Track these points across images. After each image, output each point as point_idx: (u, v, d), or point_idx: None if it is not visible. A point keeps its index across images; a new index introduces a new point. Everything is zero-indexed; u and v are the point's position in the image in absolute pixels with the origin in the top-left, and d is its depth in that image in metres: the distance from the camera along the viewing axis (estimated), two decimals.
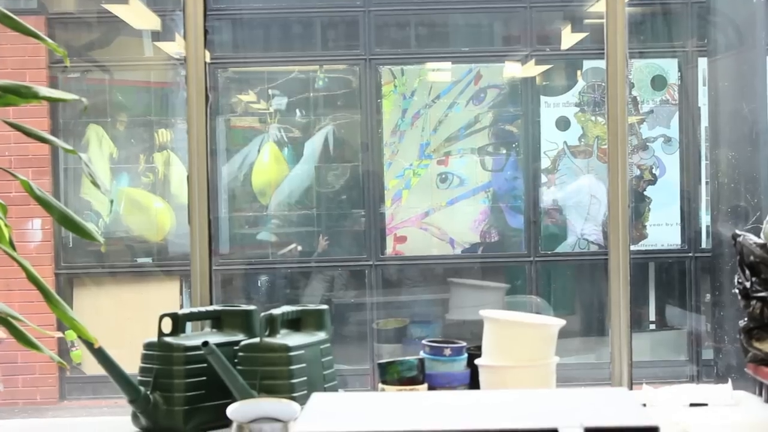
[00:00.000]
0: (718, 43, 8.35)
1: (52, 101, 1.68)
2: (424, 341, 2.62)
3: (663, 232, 9.01)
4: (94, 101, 8.76)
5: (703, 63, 8.82)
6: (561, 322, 2.54)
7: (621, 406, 1.79)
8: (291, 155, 9.12)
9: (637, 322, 8.85)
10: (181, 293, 8.48)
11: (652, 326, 9.14)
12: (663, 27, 9.29)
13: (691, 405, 2.67)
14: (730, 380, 2.71)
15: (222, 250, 8.90)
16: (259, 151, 9.04)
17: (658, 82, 9.08)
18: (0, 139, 8.14)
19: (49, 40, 1.69)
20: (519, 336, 2.43)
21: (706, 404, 2.68)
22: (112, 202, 8.46)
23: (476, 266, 8.99)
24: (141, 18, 8.67)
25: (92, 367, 7.74)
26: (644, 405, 2.65)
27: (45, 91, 1.62)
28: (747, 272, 2.60)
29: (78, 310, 8.02)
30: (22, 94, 1.60)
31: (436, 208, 9.04)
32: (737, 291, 2.63)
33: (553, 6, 9.28)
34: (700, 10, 8.82)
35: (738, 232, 2.65)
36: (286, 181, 9.03)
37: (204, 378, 2.35)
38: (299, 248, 8.96)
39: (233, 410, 2.05)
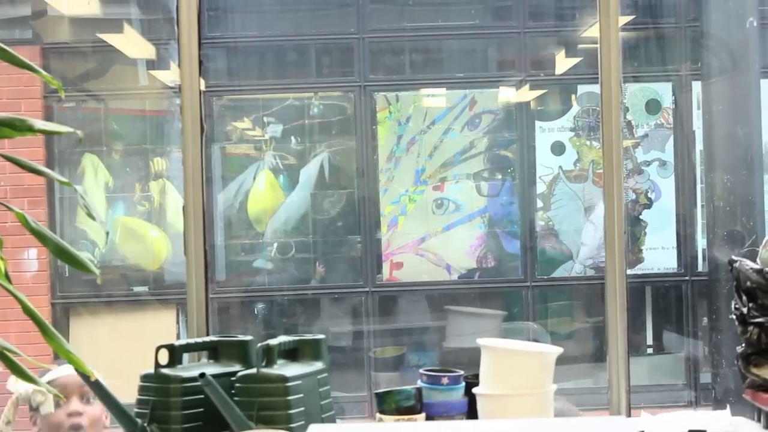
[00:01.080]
0: (711, 67, 8.37)
1: (48, 134, 1.67)
2: (421, 370, 2.60)
3: (659, 255, 9.01)
4: (89, 130, 8.76)
5: (697, 87, 8.84)
6: (558, 350, 2.53)
7: None
8: (286, 182, 9.13)
9: (635, 347, 8.84)
10: (178, 322, 8.46)
11: (650, 350, 9.13)
12: (657, 51, 9.32)
13: (690, 431, 2.66)
14: (728, 406, 2.70)
15: (218, 278, 8.89)
16: (254, 178, 9.04)
17: (653, 106, 9.10)
18: None
19: (44, 73, 1.68)
20: (516, 364, 2.42)
21: (704, 431, 2.67)
22: (107, 233, 8.46)
23: (473, 292, 8.98)
24: (136, 47, 8.69)
25: None
26: None
27: (40, 124, 1.61)
28: (744, 298, 2.59)
29: (74, 340, 8.00)
30: (17, 127, 1.59)
31: (433, 234, 9.04)
32: (735, 317, 2.62)
33: (547, 31, 9.31)
34: (694, 33, 8.85)
35: (734, 257, 2.64)
36: (282, 208, 9.03)
37: (201, 409, 2.34)
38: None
39: None
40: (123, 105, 9.18)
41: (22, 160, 1.62)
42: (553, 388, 2.46)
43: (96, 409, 3.18)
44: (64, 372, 3.17)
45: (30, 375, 1.59)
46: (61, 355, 1.62)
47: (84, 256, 1.75)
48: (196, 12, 2.77)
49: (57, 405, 3.12)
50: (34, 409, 3.12)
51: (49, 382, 3.09)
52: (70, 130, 1.66)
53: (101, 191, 8.82)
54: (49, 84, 1.67)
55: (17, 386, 2.95)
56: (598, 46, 2.82)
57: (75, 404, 3.16)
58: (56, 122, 8.69)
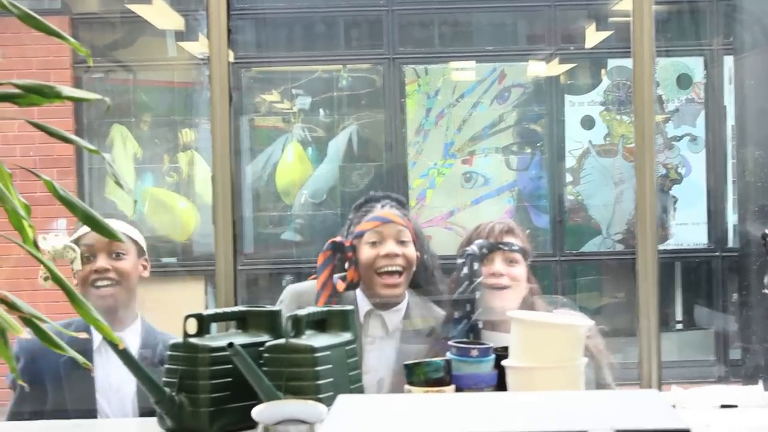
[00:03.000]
0: (744, 41, 8.30)
1: (75, 101, 1.67)
2: (450, 342, 2.60)
3: (689, 231, 8.96)
4: (117, 101, 8.77)
5: (729, 61, 8.76)
6: (589, 323, 2.51)
7: (651, 408, 1.77)
8: (315, 155, 9.11)
9: (664, 322, 8.80)
10: (206, 293, 8.48)
11: (679, 326, 9.09)
12: (688, 25, 9.24)
13: (721, 406, 2.64)
14: (761, 381, 2.68)
15: (246, 250, 8.90)
16: (282, 150, 9.03)
17: (684, 81, 9.03)
18: (25, 139, 8.17)
19: (72, 40, 1.67)
20: (547, 337, 2.40)
21: (736, 406, 2.65)
22: (135, 202, 8.47)
23: None
24: (164, 18, 8.68)
25: None
26: (674, 406, 2.62)
27: (68, 90, 1.60)
28: None
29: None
30: (45, 93, 1.58)
31: (461, 208, 9.01)
32: (767, 292, 2.60)
33: (578, 4, 9.24)
34: (726, 8, 8.77)
35: (767, 231, 2.61)
36: (310, 180, 9.02)
37: (229, 379, 2.33)
38: None
39: (259, 412, 2.03)
40: (151, 76, 9.18)
41: (51, 127, 1.62)
42: (583, 361, 2.44)
43: (126, 264, 3.23)
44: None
45: (57, 342, 1.58)
46: (88, 322, 1.62)
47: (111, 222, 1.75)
48: None
49: (87, 261, 3.15)
50: (70, 265, 3.17)
51: (77, 239, 3.14)
52: (98, 96, 1.65)
53: (130, 162, 8.83)
54: (78, 52, 1.66)
55: (46, 243, 2.97)
56: (629, 19, 2.79)
57: (101, 261, 3.19)
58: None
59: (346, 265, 3.30)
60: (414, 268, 3.33)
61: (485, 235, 3.29)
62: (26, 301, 1.58)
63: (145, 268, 3.31)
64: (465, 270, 3.19)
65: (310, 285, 3.34)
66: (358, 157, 9.09)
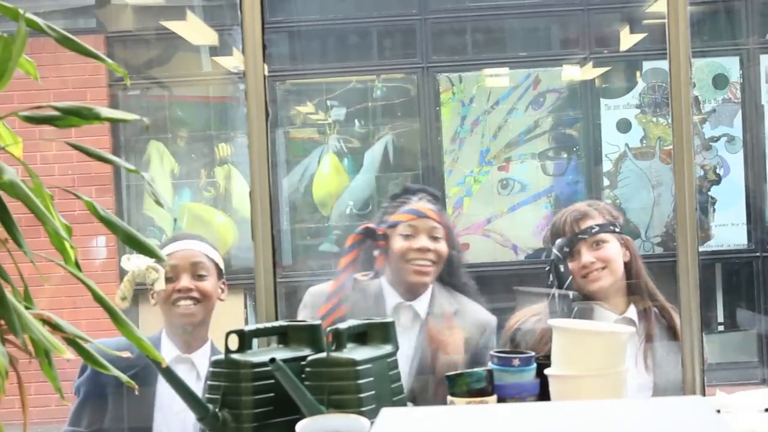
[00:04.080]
0: None
1: (114, 122, 1.67)
2: (491, 351, 2.59)
3: (729, 232, 8.91)
4: (154, 117, 8.82)
5: (765, 60, 8.71)
6: (630, 329, 2.50)
7: (696, 416, 1.76)
8: (351, 165, 9.13)
9: (706, 324, 8.73)
10: (245, 306, 8.50)
11: (721, 328, 9.03)
12: (723, 25, 9.19)
13: (766, 410, 2.62)
14: None
15: (285, 262, 8.92)
16: (319, 162, 9.05)
17: (720, 81, 8.98)
18: (63, 158, 8.23)
19: (110, 61, 1.68)
20: (588, 345, 2.39)
21: None
22: (175, 220, 8.51)
23: (541, 272, 8.91)
24: (199, 34, 8.73)
25: None
26: (718, 411, 2.60)
27: (106, 112, 1.61)
28: None
29: (144, 326, 8.07)
30: (84, 115, 1.59)
31: (498, 215, 9.00)
32: None
33: (611, 7, 9.21)
34: (762, 6, 8.71)
35: None
36: (346, 191, 9.04)
37: (272, 394, 2.34)
38: None
39: (302, 426, 2.04)
40: (187, 92, 9.23)
41: (89, 148, 1.63)
42: (626, 368, 2.43)
43: (207, 284, 3.25)
44: (180, 247, 3.28)
45: (101, 362, 1.59)
46: (131, 340, 1.63)
47: (152, 243, 1.75)
48: None
49: (169, 281, 3.18)
50: (150, 286, 3.19)
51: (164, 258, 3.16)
52: (136, 117, 1.66)
53: (167, 178, 8.88)
54: (115, 72, 1.67)
55: (130, 264, 3.00)
56: (664, 21, 2.77)
57: (185, 281, 3.22)
58: (122, 110, 8.77)
59: (376, 253, 3.33)
60: (443, 265, 3.34)
61: (560, 231, 3.27)
62: (68, 320, 1.58)
63: (222, 291, 3.34)
64: (550, 278, 3.19)
65: (329, 285, 3.37)
66: (395, 166, 9.10)
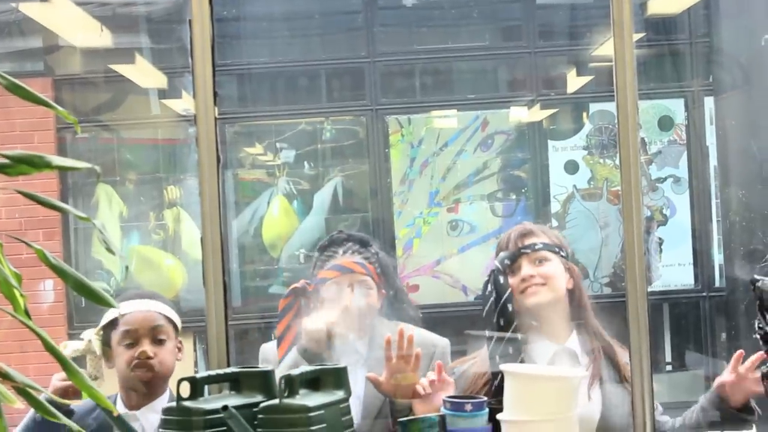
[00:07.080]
0: (723, 82, 8.35)
1: (66, 170, 1.67)
2: (444, 397, 2.59)
3: (676, 272, 8.98)
4: (102, 160, 8.77)
5: (709, 102, 8.82)
6: (582, 374, 2.52)
7: None
8: (300, 207, 9.12)
9: (654, 364, 8.78)
10: (195, 350, 8.44)
11: (669, 368, 9.08)
12: (668, 67, 9.30)
13: None
14: (754, 426, 2.68)
15: (234, 303, 8.88)
16: (268, 204, 9.04)
17: (665, 123, 9.08)
18: (9, 201, 8.16)
19: (60, 108, 1.68)
20: (540, 390, 2.40)
21: None
22: (127, 268, 8.45)
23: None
24: (147, 76, 8.72)
25: None
26: None
27: (58, 160, 1.60)
28: (767, 317, 2.58)
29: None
30: (35, 164, 1.58)
31: (448, 256, 9.01)
32: (758, 336, 2.61)
33: (558, 50, 9.30)
34: (705, 49, 8.83)
35: (757, 276, 2.62)
36: (296, 233, 9.02)
37: None
38: None
39: None
40: (135, 134, 9.20)
41: (40, 196, 1.62)
42: (577, 412, 2.44)
43: (167, 351, 3.21)
44: (138, 308, 3.21)
45: (52, 411, 1.58)
46: (83, 390, 1.62)
47: (100, 286, 1.74)
48: (210, 42, 2.75)
49: (129, 346, 3.13)
50: (98, 355, 3.14)
51: (120, 317, 3.12)
52: (88, 165, 1.66)
53: (116, 221, 8.82)
54: (65, 119, 1.66)
55: (68, 350, 2.95)
56: (611, 64, 2.81)
57: (145, 345, 3.17)
58: (70, 154, 8.73)
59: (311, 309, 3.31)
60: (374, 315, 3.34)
61: (504, 246, 3.23)
62: (16, 365, 1.57)
63: (179, 350, 3.29)
64: (489, 287, 3.12)
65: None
66: (344, 208, 9.10)
